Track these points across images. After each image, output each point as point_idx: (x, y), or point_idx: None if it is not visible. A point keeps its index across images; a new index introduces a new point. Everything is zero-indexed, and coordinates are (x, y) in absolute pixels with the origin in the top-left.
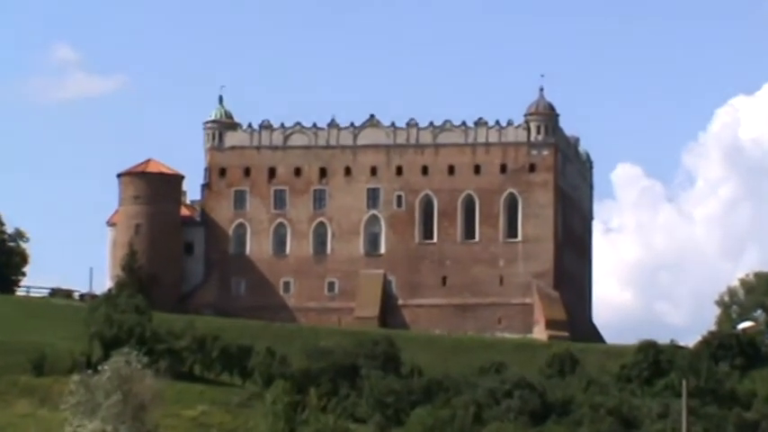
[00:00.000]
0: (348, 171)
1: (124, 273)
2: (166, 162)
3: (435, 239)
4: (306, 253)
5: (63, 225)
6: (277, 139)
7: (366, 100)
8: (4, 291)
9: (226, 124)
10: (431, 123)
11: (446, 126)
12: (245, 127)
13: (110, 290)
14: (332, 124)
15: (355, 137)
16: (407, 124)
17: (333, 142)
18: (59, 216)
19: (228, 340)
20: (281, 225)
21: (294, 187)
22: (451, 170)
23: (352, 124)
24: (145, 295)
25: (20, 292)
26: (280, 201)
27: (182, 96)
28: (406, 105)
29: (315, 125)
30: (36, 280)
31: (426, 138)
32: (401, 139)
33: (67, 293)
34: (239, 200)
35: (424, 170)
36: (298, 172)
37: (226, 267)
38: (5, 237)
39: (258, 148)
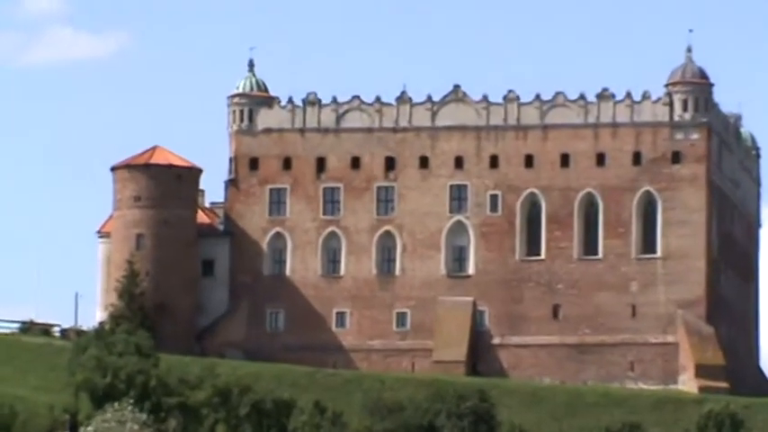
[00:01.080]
0: (424, 162)
1: (121, 301)
2: (178, 151)
3: (543, 255)
4: (367, 274)
5: (38, 236)
6: (328, 118)
7: (448, 66)
8: None
9: (258, 99)
10: (537, 97)
11: (557, 100)
12: (283, 102)
13: (102, 324)
14: (402, 99)
15: (434, 115)
16: (505, 98)
17: (403, 123)
18: (33, 224)
19: (262, 392)
20: (332, 236)
21: (351, 184)
22: (565, 160)
23: (429, 98)
24: (149, 331)
25: None
26: (331, 203)
27: (198, 62)
28: (501, 73)
29: (378, 100)
30: (2, 310)
31: (531, 116)
32: (496, 119)
33: (44, 328)
34: (276, 202)
35: (528, 161)
36: (356, 163)
37: (258, 293)
38: None
39: (302, 130)
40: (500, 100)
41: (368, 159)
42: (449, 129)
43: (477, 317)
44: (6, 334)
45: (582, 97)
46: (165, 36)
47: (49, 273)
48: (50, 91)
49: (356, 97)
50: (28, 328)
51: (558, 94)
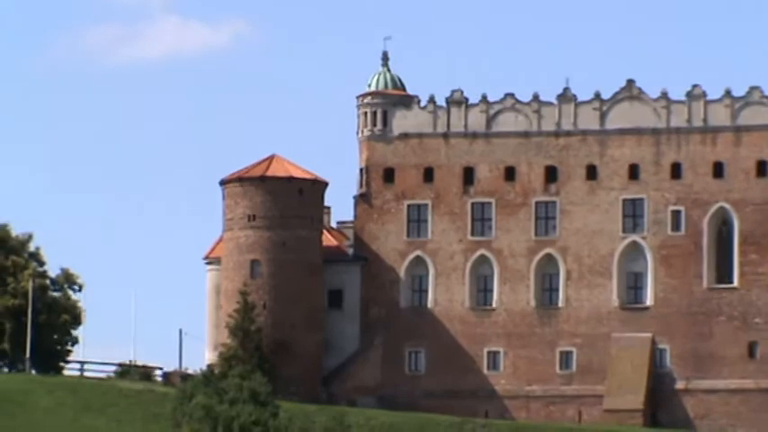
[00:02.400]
0: (592, 172)
1: (234, 339)
2: (299, 161)
3: (736, 283)
4: (524, 306)
5: (136, 262)
6: (477, 121)
7: (618, 57)
8: (45, 369)
9: (393, 98)
10: (727, 93)
11: (752, 97)
12: (423, 102)
13: (211, 366)
14: (564, 97)
15: (603, 116)
16: (688, 95)
17: (567, 126)
18: (130, 248)
19: None
20: (483, 261)
21: (505, 199)
22: (762, 169)
23: (597, 96)
24: (267, 375)
25: (70, 371)
26: (481, 221)
27: (324, 55)
28: (682, 65)
29: (536, 98)
30: (94, 351)
31: (720, 116)
32: (678, 120)
33: (144, 372)
34: (416, 220)
35: (718, 169)
36: (510, 174)
37: (395, 330)
38: (47, 284)
39: (446, 135)
40: (682, 97)
41: (524, 169)
42: (621, 132)
43: (656, 356)
44: (101, 378)
45: None
46: (285, 25)
47: (149, 306)
48: (150, 91)
49: (510, 95)
50: (125, 371)
51: (752, 89)
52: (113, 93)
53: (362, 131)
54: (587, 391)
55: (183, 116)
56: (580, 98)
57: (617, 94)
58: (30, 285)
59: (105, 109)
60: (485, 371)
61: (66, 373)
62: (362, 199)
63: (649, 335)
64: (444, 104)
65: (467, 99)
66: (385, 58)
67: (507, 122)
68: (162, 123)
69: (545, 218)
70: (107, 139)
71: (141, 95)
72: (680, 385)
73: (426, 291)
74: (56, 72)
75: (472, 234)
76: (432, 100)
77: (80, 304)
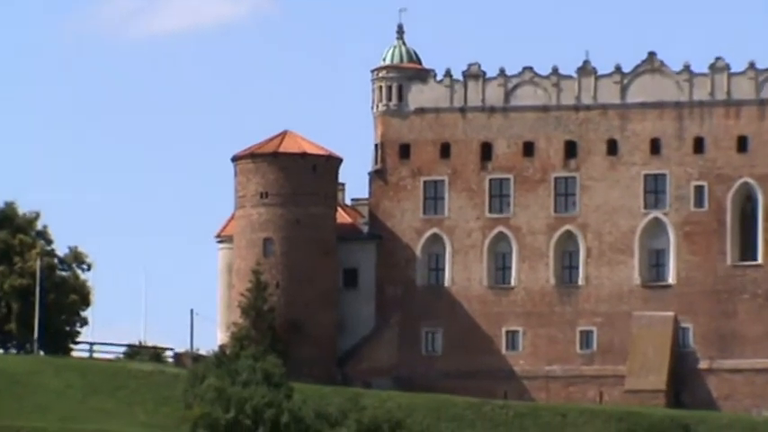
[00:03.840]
0: (612, 147)
1: (246, 319)
2: (312, 137)
3: (760, 260)
4: (544, 284)
5: (145, 241)
6: (494, 95)
7: (638, 29)
8: (53, 350)
9: (409, 72)
10: (751, 66)
11: None
12: (440, 76)
13: (223, 347)
14: (584, 70)
15: (623, 90)
16: (711, 67)
17: (586, 100)
18: (139, 226)
19: (416, 428)
20: (501, 238)
21: (523, 175)
22: None
23: (617, 69)
24: (281, 356)
25: (79, 353)
26: (499, 198)
27: (336, 28)
28: (704, 36)
29: (555, 71)
30: (104, 332)
31: (744, 89)
32: (701, 93)
33: (155, 353)
34: (433, 197)
35: (742, 144)
36: (528, 149)
37: (411, 309)
38: (54, 263)
39: (463, 110)
40: (705, 70)
41: (543, 144)
42: (642, 106)
43: (679, 336)
44: (110, 360)
45: None
46: None
47: (160, 286)
48: (164, 66)
49: (528, 69)
50: (135, 352)
51: None
52: (128, 67)
53: (377, 106)
54: (608, 372)
55: (195, 91)
56: (600, 71)
57: (638, 66)
58: (37, 265)
59: (119, 83)
60: (503, 351)
61: (74, 354)
62: (377, 175)
63: (672, 314)
64: (461, 78)
65: (484, 72)
66: (400, 30)
67: (526, 96)
68: (174, 98)
69: (564, 194)
70: (118, 115)
71: (155, 70)
72: (703, 365)
73: (443, 269)
74: (70, 46)
75: (490, 211)
76: (448, 74)
77: (89, 284)
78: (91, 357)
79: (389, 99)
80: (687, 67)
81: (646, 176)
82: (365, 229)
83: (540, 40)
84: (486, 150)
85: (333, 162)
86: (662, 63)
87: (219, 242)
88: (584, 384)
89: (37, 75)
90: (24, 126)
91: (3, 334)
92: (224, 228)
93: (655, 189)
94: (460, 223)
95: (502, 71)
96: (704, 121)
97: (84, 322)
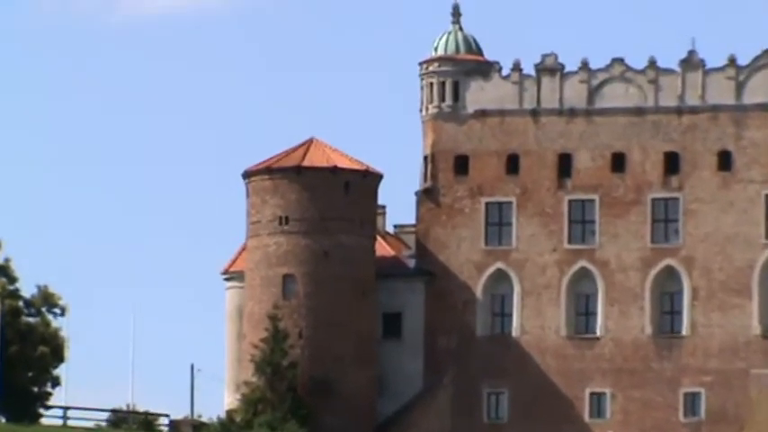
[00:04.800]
0: (725, 160)
1: (261, 377)
2: (344, 147)
3: None
4: (638, 334)
5: (133, 280)
6: (575, 94)
7: (756, 13)
8: (17, 417)
9: (467, 65)
10: None
11: None
12: (506, 70)
13: (230, 413)
14: (690, 63)
15: (739, 87)
16: None
17: (692, 100)
18: (125, 262)
19: None
20: (584, 275)
21: (611, 195)
22: None
23: (731, 61)
24: (304, 424)
25: (50, 419)
26: (581, 224)
27: (375, 12)
28: None
29: (653, 65)
30: (81, 394)
31: None
32: None
33: (145, 420)
34: (497, 223)
35: None
36: (618, 163)
37: (470, 365)
38: (19, 306)
39: (535, 113)
40: None
41: (637, 157)
42: (763, 108)
43: None
44: (89, 429)
45: None
46: None
47: (151, 335)
48: (149, 56)
49: (618, 61)
50: (121, 419)
51: None
52: (107, 56)
53: (427, 108)
54: None
55: (196, 88)
56: (710, 64)
57: (758, 59)
58: None
59: (100, 76)
60: (586, 418)
61: (44, 421)
62: (427, 195)
63: None
64: (533, 73)
65: (562, 66)
66: (456, 13)
67: (615, 96)
68: (169, 97)
69: (664, 220)
70: (101, 116)
71: (145, 60)
72: None
73: (510, 315)
74: (45, 31)
75: (569, 241)
76: (517, 67)
77: (63, 333)
78: (65, 426)
79: (442, 99)
80: None
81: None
82: (411, 263)
83: (633, 26)
84: (565, 164)
85: (371, 179)
86: None
87: (227, 280)
88: None
89: (10, 63)
90: None
91: None
92: (233, 262)
93: None
94: (532, 256)
95: (585, 64)
96: None
97: (57, 382)
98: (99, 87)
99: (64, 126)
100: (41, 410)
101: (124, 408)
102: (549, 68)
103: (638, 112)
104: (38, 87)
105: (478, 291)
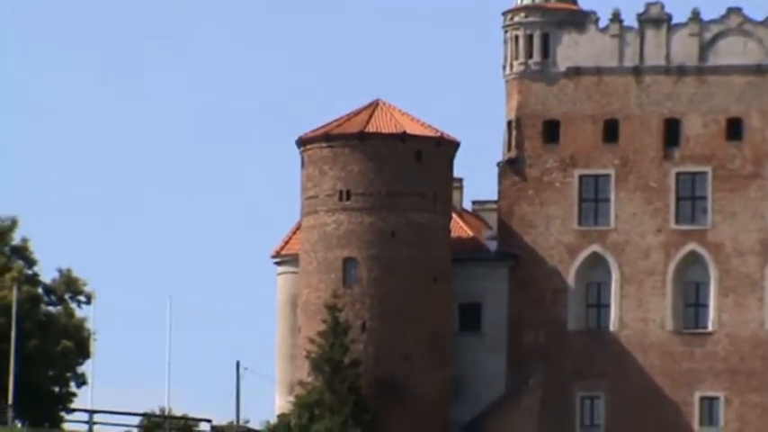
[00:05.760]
0: None
1: (318, 376)
2: (414, 110)
3: None
4: (757, 329)
5: (169, 263)
6: (685, 49)
7: None
8: (36, 421)
9: (559, 15)
10: None
11: None
12: (604, 21)
13: (283, 417)
14: None
15: None
16: None
17: None
18: (159, 243)
19: None
20: (694, 260)
21: (726, 167)
22: None
23: None
24: (369, 429)
25: (74, 425)
26: (691, 201)
27: None
28: None
29: None
30: (110, 396)
31: None
32: None
33: (184, 426)
34: (593, 199)
35: None
36: (735, 130)
37: (561, 364)
38: (38, 293)
39: (638, 71)
40: None
41: (757, 123)
42: None
43: None
44: None
45: None
46: None
47: (191, 327)
48: (192, 14)
49: (736, 11)
50: (155, 425)
51: None
52: (145, 22)
53: (511, 66)
54: None
55: (240, 48)
56: None
57: None
58: (14, 295)
59: (133, 45)
60: (695, 426)
61: (67, 427)
62: (511, 167)
63: None
64: (635, 25)
65: (670, 16)
66: None
67: (732, 52)
68: (207, 53)
69: None
70: (125, 80)
71: (178, 21)
72: None
73: (608, 306)
74: None
75: (677, 221)
76: (617, 18)
77: (88, 324)
78: (91, 431)
79: (529, 56)
80: None
81: None
82: (493, 245)
83: None
84: (673, 131)
85: (446, 147)
86: None
87: (278, 264)
88: None
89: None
90: None
91: None
92: (285, 243)
93: None
94: (634, 238)
95: (696, 14)
96: None
97: (83, 381)
98: (129, 56)
99: (98, 91)
100: (64, 414)
101: (158, 411)
102: (654, 19)
103: (759, 70)
104: (64, 59)
105: (570, 278)
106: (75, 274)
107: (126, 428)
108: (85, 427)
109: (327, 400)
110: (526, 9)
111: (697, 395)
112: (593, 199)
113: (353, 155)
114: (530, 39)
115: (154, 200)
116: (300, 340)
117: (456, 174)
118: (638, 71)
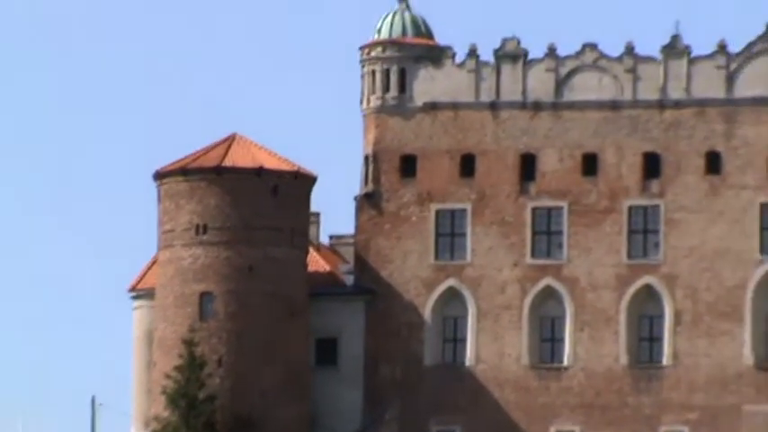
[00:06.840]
0: (714, 162)
1: (174, 411)
2: (271, 144)
3: None
4: (612, 364)
5: (24, 298)
6: (540, 85)
7: None
8: None
9: (416, 50)
10: None
11: None
12: (460, 57)
13: None
14: (673, 48)
15: (730, 79)
16: None
17: (676, 93)
18: (15, 277)
19: None
20: (550, 294)
21: (581, 203)
22: None
23: (721, 48)
24: None
25: None
26: (547, 236)
27: None
28: None
29: (630, 51)
30: None
31: None
32: None
33: None
34: (449, 233)
35: None
36: (590, 165)
37: (417, 399)
38: None
39: (494, 106)
40: None
41: (611, 158)
42: (757, 102)
43: None
44: None
45: None
46: None
47: (47, 363)
48: (46, 35)
49: (591, 47)
50: None
51: None
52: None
53: (368, 100)
54: None
55: (98, 79)
56: (696, 51)
57: (752, 45)
58: None
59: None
60: None
61: None
62: (368, 201)
63: None
64: (492, 60)
65: (526, 52)
66: None
67: (586, 88)
68: (65, 86)
69: (643, 231)
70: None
71: (38, 42)
72: None
73: (464, 341)
74: None
75: (533, 255)
76: (473, 53)
77: None
78: None
79: (386, 90)
80: None
81: (763, 206)
82: (349, 280)
83: (608, 7)
84: (529, 166)
85: (303, 181)
86: None
87: (134, 298)
88: None
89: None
90: None
91: None
92: (142, 277)
93: None
94: (490, 272)
95: (552, 50)
96: None
97: None
98: None
99: None
100: None
101: None
102: (511, 55)
103: (614, 106)
104: None
105: (427, 312)
106: None
107: None
108: None
109: None
110: (383, 44)
111: (552, 430)
112: (449, 233)
113: (210, 189)
114: (387, 73)
115: (6, 231)
116: (156, 375)
117: (313, 208)
118: (494, 106)
